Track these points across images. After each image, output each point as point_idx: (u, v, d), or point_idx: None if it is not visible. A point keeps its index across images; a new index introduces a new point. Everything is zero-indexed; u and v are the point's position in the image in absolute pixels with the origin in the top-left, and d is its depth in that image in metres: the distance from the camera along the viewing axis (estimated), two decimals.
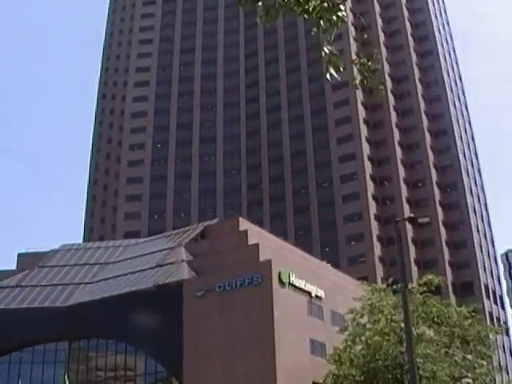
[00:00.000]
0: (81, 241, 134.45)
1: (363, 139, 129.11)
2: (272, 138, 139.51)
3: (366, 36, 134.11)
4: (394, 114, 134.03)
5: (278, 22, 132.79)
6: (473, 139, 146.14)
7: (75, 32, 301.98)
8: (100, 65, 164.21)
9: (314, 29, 7.75)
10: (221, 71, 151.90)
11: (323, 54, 7.81)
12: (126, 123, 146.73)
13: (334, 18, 7.82)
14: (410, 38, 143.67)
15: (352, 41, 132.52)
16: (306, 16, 7.61)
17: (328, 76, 8.03)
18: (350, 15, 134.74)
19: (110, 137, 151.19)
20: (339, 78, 8.39)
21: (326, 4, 7.56)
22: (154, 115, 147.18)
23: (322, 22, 7.66)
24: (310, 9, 7.46)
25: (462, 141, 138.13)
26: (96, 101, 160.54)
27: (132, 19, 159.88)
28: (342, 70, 8.13)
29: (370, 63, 8.88)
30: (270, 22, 7.48)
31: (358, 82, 8.86)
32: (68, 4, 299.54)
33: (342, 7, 7.76)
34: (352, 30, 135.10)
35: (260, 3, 7.32)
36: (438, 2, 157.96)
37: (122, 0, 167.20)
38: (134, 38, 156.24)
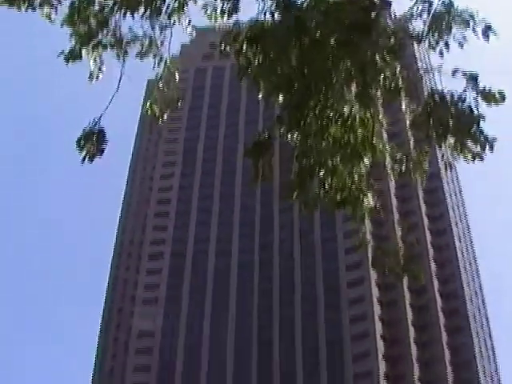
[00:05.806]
0: None
1: None
2: None
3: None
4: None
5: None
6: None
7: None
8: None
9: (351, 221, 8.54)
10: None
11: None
12: None
13: (364, 207, 8.56)
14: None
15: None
16: (341, 207, 8.36)
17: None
18: None
19: None
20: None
21: (357, 193, 8.35)
22: None
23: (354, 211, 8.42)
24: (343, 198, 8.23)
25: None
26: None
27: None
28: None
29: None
30: (309, 213, 8.25)
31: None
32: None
33: (369, 195, 8.52)
34: None
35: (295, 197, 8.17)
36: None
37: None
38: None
